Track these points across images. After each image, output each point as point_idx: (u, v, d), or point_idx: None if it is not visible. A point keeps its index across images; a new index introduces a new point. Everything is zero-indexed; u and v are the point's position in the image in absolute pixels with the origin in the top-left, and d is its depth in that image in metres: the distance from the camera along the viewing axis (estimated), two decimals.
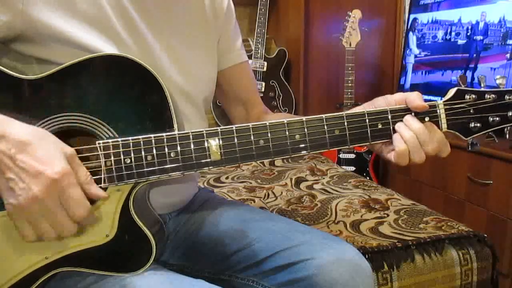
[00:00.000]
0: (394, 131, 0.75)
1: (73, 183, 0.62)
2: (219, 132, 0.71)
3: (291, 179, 1.85)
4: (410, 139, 0.73)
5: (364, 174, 2.53)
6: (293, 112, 2.70)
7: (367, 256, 1.15)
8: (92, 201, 0.71)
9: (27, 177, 0.59)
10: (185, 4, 0.89)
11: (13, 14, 0.70)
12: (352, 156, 2.54)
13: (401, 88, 2.58)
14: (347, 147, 0.75)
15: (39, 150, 0.60)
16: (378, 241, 1.23)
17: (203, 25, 0.92)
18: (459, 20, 2.17)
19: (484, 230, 1.41)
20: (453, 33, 2.20)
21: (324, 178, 1.86)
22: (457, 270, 1.23)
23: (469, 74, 2.07)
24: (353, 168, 2.53)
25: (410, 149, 0.74)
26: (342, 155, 2.53)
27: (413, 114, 0.75)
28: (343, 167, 2.32)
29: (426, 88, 2.34)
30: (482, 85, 0.77)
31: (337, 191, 1.69)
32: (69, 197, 0.62)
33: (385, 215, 1.43)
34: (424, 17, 2.40)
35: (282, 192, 1.69)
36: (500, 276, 1.42)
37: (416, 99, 0.75)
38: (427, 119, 0.76)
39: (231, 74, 1.00)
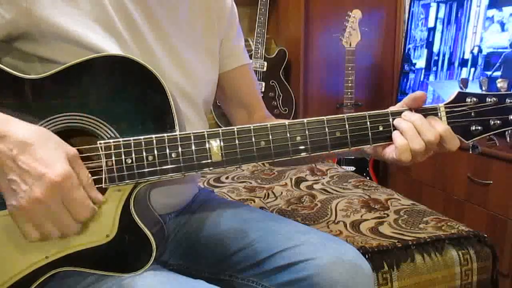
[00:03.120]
0: (394, 129, 0.75)
1: (75, 185, 0.62)
2: (220, 133, 0.72)
3: (291, 179, 1.85)
4: (408, 128, 0.73)
5: (364, 174, 2.53)
6: (293, 112, 2.70)
7: (367, 256, 1.15)
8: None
9: (29, 179, 0.59)
10: (188, 5, 0.89)
11: (17, 12, 0.70)
12: (352, 156, 2.54)
13: (401, 89, 2.58)
14: (347, 149, 0.75)
15: (41, 151, 0.60)
16: (378, 241, 1.23)
17: (205, 27, 0.92)
18: None
19: (484, 230, 1.41)
20: None
21: (324, 178, 1.87)
22: (457, 270, 1.23)
23: None
24: (353, 168, 2.53)
25: (408, 139, 0.73)
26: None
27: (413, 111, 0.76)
28: (343, 167, 2.33)
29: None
30: (483, 88, 0.77)
31: (337, 191, 1.70)
32: (72, 199, 0.62)
33: (385, 215, 1.43)
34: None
35: (282, 192, 1.69)
36: (500, 276, 1.42)
37: (414, 92, 0.76)
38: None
39: (233, 76, 1.00)
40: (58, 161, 0.60)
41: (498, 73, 1.93)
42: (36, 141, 0.60)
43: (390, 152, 0.77)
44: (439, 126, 0.74)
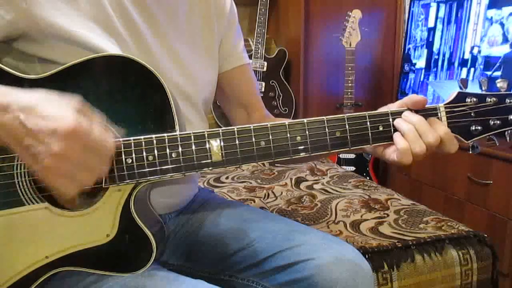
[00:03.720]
0: (394, 129, 0.75)
1: (89, 128, 0.61)
2: (221, 133, 0.72)
3: (291, 179, 1.85)
4: (409, 130, 0.73)
5: (364, 174, 2.53)
6: (293, 112, 2.70)
7: (367, 256, 1.15)
8: (93, 200, 0.71)
9: (44, 138, 0.58)
10: (187, 5, 0.89)
11: (16, 13, 0.70)
12: (352, 156, 2.54)
13: (401, 89, 2.58)
14: (347, 149, 0.75)
15: (46, 109, 0.59)
16: (378, 241, 1.23)
17: (205, 27, 0.92)
18: None
19: (484, 230, 1.41)
20: None
21: (324, 178, 1.87)
22: (457, 270, 1.23)
23: None
24: (353, 168, 2.53)
25: (410, 141, 0.73)
26: (342, 155, 2.53)
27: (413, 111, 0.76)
28: (343, 167, 2.33)
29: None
30: (483, 88, 0.77)
31: (337, 191, 1.70)
32: (91, 142, 0.61)
33: (385, 215, 1.43)
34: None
35: (282, 192, 1.69)
36: (500, 276, 1.42)
37: (415, 95, 0.75)
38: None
39: (233, 76, 1.00)
40: (66, 113, 0.59)
41: (498, 73, 1.93)
42: (39, 102, 0.60)
43: (390, 153, 0.77)
44: (439, 128, 0.74)
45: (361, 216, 1.42)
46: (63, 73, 0.70)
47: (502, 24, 1.93)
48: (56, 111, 0.59)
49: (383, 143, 0.77)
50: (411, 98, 0.76)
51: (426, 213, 1.45)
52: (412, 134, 0.73)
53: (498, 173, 1.84)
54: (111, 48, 0.75)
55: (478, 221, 1.92)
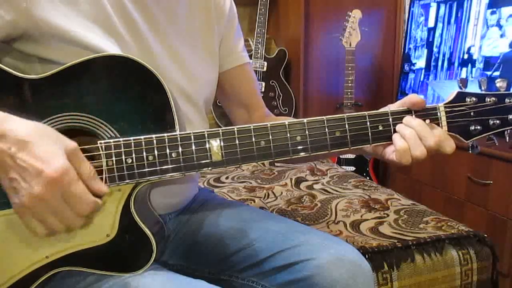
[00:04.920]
0: (395, 131, 0.76)
1: (74, 179, 0.62)
2: (220, 133, 0.72)
3: (291, 179, 1.85)
4: (410, 134, 0.73)
5: (364, 174, 2.53)
6: (293, 112, 2.70)
7: (367, 256, 1.15)
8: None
9: (28, 176, 0.59)
10: (187, 5, 0.89)
11: (16, 13, 0.70)
12: (352, 156, 2.54)
13: (401, 89, 2.58)
14: (347, 149, 0.75)
15: (39, 148, 0.60)
16: (378, 241, 1.23)
17: (205, 26, 0.92)
18: None
19: (484, 230, 1.41)
20: None
21: (324, 178, 1.87)
22: (457, 270, 1.23)
23: None
24: (353, 168, 2.53)
25: (410, 145, 0.73)
26: (342, 155, 2.53)
27: (413, 116, 0.76)
28: (343, 167, 2.33)
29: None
30: (483, 88, 0.78)
31: (337, 191, 1.70)
32: (71, 194, 0.62)
33: (385, 215, 1.43)
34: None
35: (282, 192, 1.69)
36: (500, 276, 1.42)
37: (414, 96, 0.76)
38: (427, 121, 0.76)
39: (233, 75, 1.00)
40: (56, 157, 0.60)
41: (497, 73, 1.93)
42: (34, 138, 0.60)
43: (390, 153, 0.77)
44: (436, 131, 0.74)
45: (361, 216, 1.42)
46: (63, 73, 0.70)
47: (502, 24, 1.93)
48: (47, 153, 0.60)
49: (382, 143, 0.77)
50: (410, 98, 0.76)
51: (426, 213, 1.45)
52: (413, 137, 0.73)
53: (498, 173, 1.84)
54: (111, 48, 0.75)
55: (478, 221, 1.92)
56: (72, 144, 0.63)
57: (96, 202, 0.65)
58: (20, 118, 0.62)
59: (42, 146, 0.60)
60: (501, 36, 1.93)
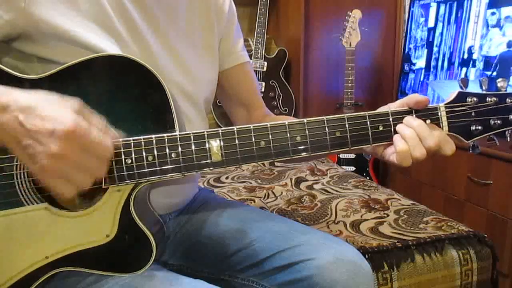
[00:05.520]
0: (395, 132, 0.75)
1: (88, 129, 0.61)
2: (220, 133, 0.71)
3: (291, 179, 1.85)
4: (410, 135, 0.73)
5: (364, 174, 2.53)
6: (293, 112, 2.70)
7: (367, 256, 1.15)
8: (93, 200, 0.71)
9: (42, 138, 0.58)
10: (187, 4, 0.89)
11: (15, 13, 0.70)
12: (352, 156, 2.54)
13: (401, 89, 2.58)
14: (347, 149, 0.75)
15: (45, 110, 0.59)
16: (378, 241, 1.23)
17: (205, 26, 0.92)
18: None
19: (484, 230, 1.41)
20: None
21: (324, 178, 1.87)
22: (457, 270, 1.23)
23: None
24: (353, 168, 2.53)
25: (410, 146, 0.73)
26: (342, 155, 2.53)
27: (414, 116, 0.75)
28: (343, 167, 2.33)
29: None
30: (483, 87, 0.77)
31: (337, 191, 1.70)
32: (89, 142, 0.61)
33: (385, 215, 1.43)
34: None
35: (282, 192, 1.69)
36: (500, 276, 1.42)
37: (416, 95, 0.75)
38: (428, 121, 0.75)
39: (233, 74, 1.00)
40: (65, 114, 0.60)
41: (496, 73, 1.93)
42: (39, 102, 0.60)
43: (390, 154, 0.76)
44: (438, 133, 0.74)
45: (361, 216, 1.42)
46: (62, 73, 0.70)
47: (502, 24, 1.93)
48: (55, 112, 0.59)
49: (383, 143, 0.77)
50: (413, 98, 0.75)
51: (426, 213, 1.45)
52: (414, 138, 0.73)
53: (498, 173, 1.84)
54: (111, 48, 0.74)
55: (478, 221, 1.92)
56: (77, 102, 0.62)
57: (113, 146, 0.65)
58: (21, 89, 0.62)
59: (48, 108, 0.60)
60: (502, 35, 1.93)
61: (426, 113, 0.76)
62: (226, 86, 1.01)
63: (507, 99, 0.75)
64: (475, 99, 0.76)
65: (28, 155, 0.59)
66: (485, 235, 1.29)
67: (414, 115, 0.75)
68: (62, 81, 0.70)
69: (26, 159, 0.60)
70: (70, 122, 0.59)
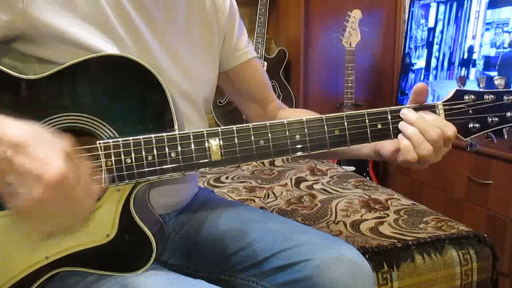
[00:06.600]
0: (394, 127, 0.75)
1: (73, 184, 0.60)
2: (220, 132, 0.71)
3: (291, 179, 1.85)
4: (413, 131, 0.73)
5: (364, 174, 2.53)
6: None
7: (367, 256, 1.15)
8: None
9: (27, 181, 0.57)
10: (185, 4, 0.89)
11: (13, 14, 0.70)
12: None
13: (401, 89, 2.58)
14: (347, 147, 0.75)
15: (36, 151, 0.57)
16: (378, 241, 1.23)
17: (203, 25, 0.92)
18: None
19: (484, 230, 1.41)
20: None
21: (324, 178, 1.87)
22: (457, 270, 1.23)
23: None
24: (353, 168, 2.53)
25: (414, 143, 0.73)
26: None
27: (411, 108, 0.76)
28: (343, 167, 2.32)
29: None
30: (481, 85, 0.78)
31: (337, 191, 1.70)
32: (71, 198, 0.60)
33: (385, 215, 1.43)
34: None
35: (282, 192, 1.69)
36: (500, 276, 1.42)
37: (415, 86, 0.76)
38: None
39: (241, 72, 1.00)
40: (55, 160, 0.58)
41: (496, 73, 1.93)
42: (31, 141, 0.58)
43: (399, 157, 0.77)
44: (435, 119, 0.74)
45: (361, 216, 1.42)
46: (61, 73, 0.70)
47: (502, 24, 1.93)
48: (45, 155, 0.58)
49: (387, 146, 0.77)
50: (414, 91, 0.76)
51: (426, 213, 1.45)
52: (416, 136, 0.73)
53: (498, 173, 1.84)
54: (109, 48, 0.74)
55: (478, 221, 1.92)
56: (68, 146, 0.61)
57: (92, 206, 0.65)
58: (14, 120, 0.60)
59: (39, 149, 0.58)
60: (502, 36, 1.93)
61: (424, 111, 0.76)
62: (236, 84, 1.01)
63: (504, 97, 0.76)
64: (472, 97, 0.76)
65: (7, 191, 0.58)
66: (485, 235, 1.29)
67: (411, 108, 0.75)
68: (61, 81, 0.70)
69: (6, 194, 0.59)
70: (59, 171, 0.57)
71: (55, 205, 0.59)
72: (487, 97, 0.76)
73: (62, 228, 0.64)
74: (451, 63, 2.23)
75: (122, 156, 0.69)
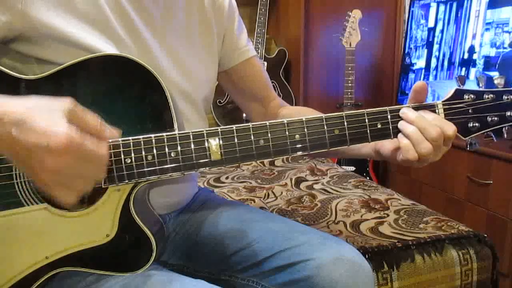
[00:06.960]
0: (394, 127, 0.75)
1: (81, 139, 0.59)
2: (219, 132, 0.71)
3: (291, 179, 1.85)
4: (412, 132, 0.73)
5: (364, 174, 2.53)
6: None
7: (367, 256, 1.15)
8: (92, 200, 0.71)
9: (37, 156, 0.57)
10: (185, 4, 0.89)
11: (12, 14, 0.70)
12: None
13: (401, 89, 2.58)
14: (346, 146, 0.75)
15: (37, 123, 0.58)
16: (378, 241, 1.23)
17: (203, 25, 0.92)
18: None
19: (484, 230, 1.41)
20: None
21: (324, 178, 1.87)
22: (457, 270, 1.23)
23: None
24: (353, 168, 2.53)
25: (413, 141, 0.73)
26: None
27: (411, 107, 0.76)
28: (343, 167, 2.32)
29: None
30: (481, 85, 0.78)
31: (337, 191, 1.70)
32: (84, 152, 0.60)
33: (385, 215, 1.43)
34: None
35: (282, 192, 1.69)
36: (500, 276, 1.42)
37: (414, 85, 0.76)
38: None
39: (241, 71, 1.01)
40: (57, 125, 0.58)
41: (496, 73, 1.93)
42: (30, 113, 0.58)
43: (398, 156, 0.77)
44: (434, 118, 0.74)
45: (361, 216, 1.42)
46: (60, 73, 0.70)
47: (502, 24, 1.93)
48: (47, 123, 0.58)
49: (388, 146, 0.77)
50: (413, 89, 0.76)
51: (426, 213, 1.45)
52: (416, 134, 0.73)
53: (498, 173, 1.84)
54: (108, 48, 0.74)
55: (478, 221, 1.92)
56: (67, 103, 0.61)
57: (108, 149, 0.64)
58: (10, 97, 0.60)
59: (40, 120, 0.58)
60: (502, 36, 1.93)
61: (424, 110, 0.76)
62: (237, 82, 1.02)
63: (504, 96, 0.76)
64: (472, 96, 0.76)
65: (26, 167, 0.59)
66: (485, 235, 1.29)
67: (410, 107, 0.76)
68: (60, 81, 0.70)
69: (27, 171, 0.61)
70: (63, 135, 0.57)
71: (72, 167, 0.59)
72: (486, 96, 0.76)
73: (90, 183, 0.63)
74: (451, 63, 2.23)
75: (122, 156, 0.69)
